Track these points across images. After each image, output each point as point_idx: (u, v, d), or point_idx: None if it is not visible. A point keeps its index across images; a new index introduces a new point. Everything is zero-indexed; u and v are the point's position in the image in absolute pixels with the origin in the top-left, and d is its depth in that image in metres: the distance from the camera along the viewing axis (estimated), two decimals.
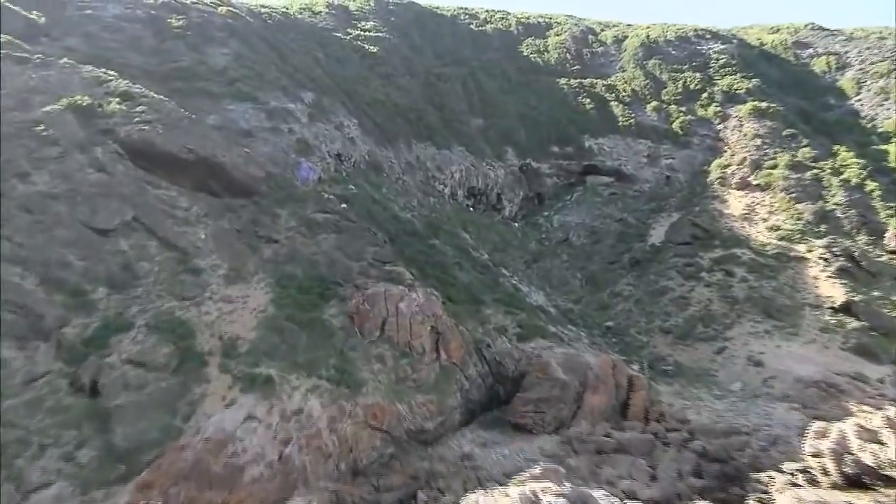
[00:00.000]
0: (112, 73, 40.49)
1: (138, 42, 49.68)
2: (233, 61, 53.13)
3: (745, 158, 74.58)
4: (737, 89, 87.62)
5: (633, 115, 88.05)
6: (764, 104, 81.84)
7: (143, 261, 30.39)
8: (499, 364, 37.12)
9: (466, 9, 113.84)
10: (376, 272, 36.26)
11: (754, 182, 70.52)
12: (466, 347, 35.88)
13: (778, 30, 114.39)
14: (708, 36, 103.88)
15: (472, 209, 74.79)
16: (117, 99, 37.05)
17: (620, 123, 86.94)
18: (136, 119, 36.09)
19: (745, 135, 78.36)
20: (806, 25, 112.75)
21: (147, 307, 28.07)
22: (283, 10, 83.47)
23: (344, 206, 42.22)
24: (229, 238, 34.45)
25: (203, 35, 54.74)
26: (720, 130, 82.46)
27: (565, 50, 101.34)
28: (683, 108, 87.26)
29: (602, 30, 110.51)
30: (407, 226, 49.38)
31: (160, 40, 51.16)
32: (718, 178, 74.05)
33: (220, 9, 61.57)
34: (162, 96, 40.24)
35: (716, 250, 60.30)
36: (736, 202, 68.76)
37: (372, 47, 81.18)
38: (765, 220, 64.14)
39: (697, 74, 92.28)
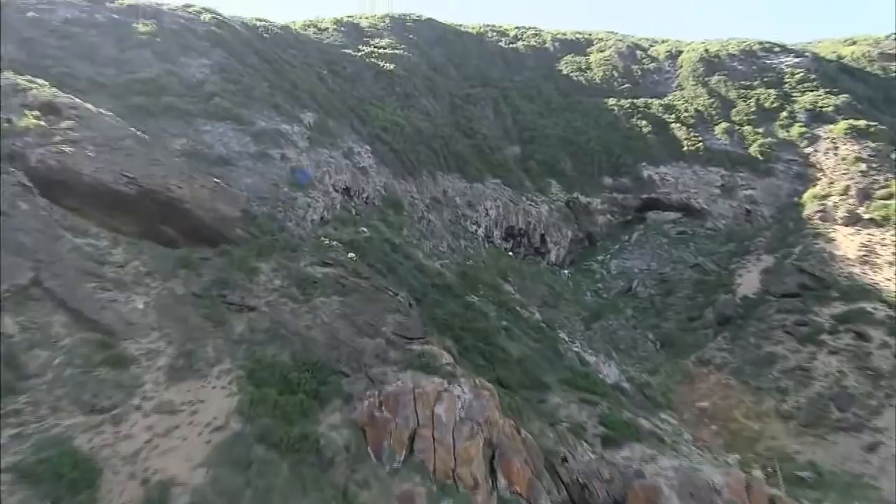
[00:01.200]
0: (39, 81, 31.63)
1: (92, 50, 41.27)
2: (213, 74, 44.48)
3: (848, 187, 63.96)
4: (823, 107, 77.55)
5: (699, 138, 78.26)
6: (862, 122, 71.55)
7: (40, 348, 20.65)
8: (583, 489, 26.34)
9: (493, 26, 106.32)
10: (399, 354, 26.06)
11: (866, 216, 59.69)
12: (534, 466, 25.28)
13: (854, 42, 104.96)
14: (777, 49, 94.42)
15: (511, 253, 64.82)
16: (35, 112, 27.99)
17: (686, 148, 77.12)
18: (58, 138, 26.92)
19: (843, 159, 67.89)
20: (887, 36, 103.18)
21: (28, 429, 18.15)
22: (284, 26, 75.85)
23: (352, 255, 32.42)
24: (182, 308, 24.66)
25: (178, 43, 46.37)
26: (809, 154, 72.08)
27: (612, 67, 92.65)
28: (760, 130, 77.26)
29: (650, 45, 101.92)
30: (436, 279, 39.43)
31: (121, 49, 42.71)
32: (817, 211, 63.33)
33: (203, 16, 53.51)
34: (104, 110, 31.19)
35: (835, 304, 49.23)
36: (847, 241, 57.83)
37: (388, 64, 72.85)
38: (892, 263, 53.10)
39: (772, 91, 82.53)
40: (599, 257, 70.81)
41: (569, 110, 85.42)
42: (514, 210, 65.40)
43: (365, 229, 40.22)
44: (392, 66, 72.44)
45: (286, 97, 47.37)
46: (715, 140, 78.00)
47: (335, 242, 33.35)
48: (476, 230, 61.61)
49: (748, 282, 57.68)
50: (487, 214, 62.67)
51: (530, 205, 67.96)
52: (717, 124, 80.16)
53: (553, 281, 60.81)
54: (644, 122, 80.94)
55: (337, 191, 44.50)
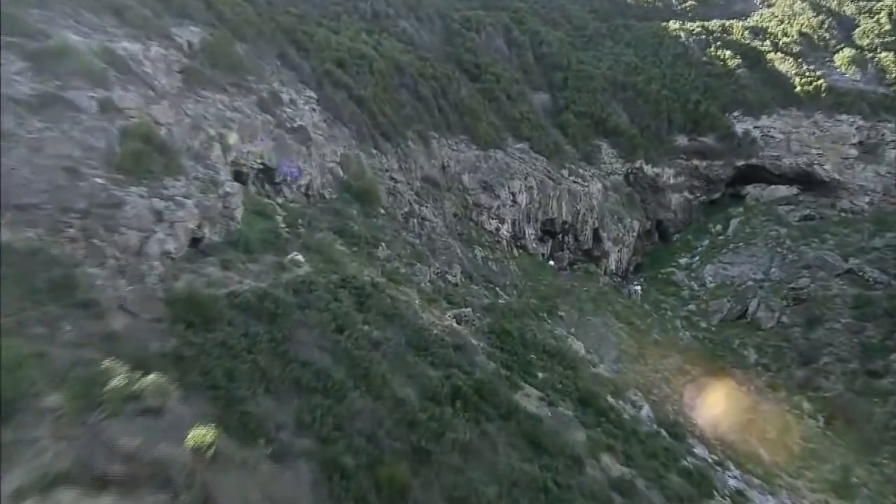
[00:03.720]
0: None
1: None
2: None
3: None
4: None
5: (814, 73, 59.15)
6: None
7: None
8: None
9: None
10: None
11: None
12: None
13: None
14: None
15: (552, 263, 45.89)
16: None
17: (799, 88, 57.96)
18: None
19: None
20: None
21: None
22: None
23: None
24: None
25: None
26: None
27: None
28: None
29: None
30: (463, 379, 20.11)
31: None
32: None
33: None
34: None
35: None
36: None
37: None
38: None
39: None
40: (682, 259, 51.92)
41: (613, 39, 66.04)
42: (552, 192, 46.09)
43: (299, 257, 20.60)
44: None
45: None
46: (838, 75, 58.90)
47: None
48: (498, 228, 42.34)
49: None
50: (514, 202, 43.33)
51: (575, 181, 48.67)
52: (836, 52, 61.11)
53: (628, 311, 41.76)
54: (728, 53, 61.65)
55: (245, 174, 25.16)
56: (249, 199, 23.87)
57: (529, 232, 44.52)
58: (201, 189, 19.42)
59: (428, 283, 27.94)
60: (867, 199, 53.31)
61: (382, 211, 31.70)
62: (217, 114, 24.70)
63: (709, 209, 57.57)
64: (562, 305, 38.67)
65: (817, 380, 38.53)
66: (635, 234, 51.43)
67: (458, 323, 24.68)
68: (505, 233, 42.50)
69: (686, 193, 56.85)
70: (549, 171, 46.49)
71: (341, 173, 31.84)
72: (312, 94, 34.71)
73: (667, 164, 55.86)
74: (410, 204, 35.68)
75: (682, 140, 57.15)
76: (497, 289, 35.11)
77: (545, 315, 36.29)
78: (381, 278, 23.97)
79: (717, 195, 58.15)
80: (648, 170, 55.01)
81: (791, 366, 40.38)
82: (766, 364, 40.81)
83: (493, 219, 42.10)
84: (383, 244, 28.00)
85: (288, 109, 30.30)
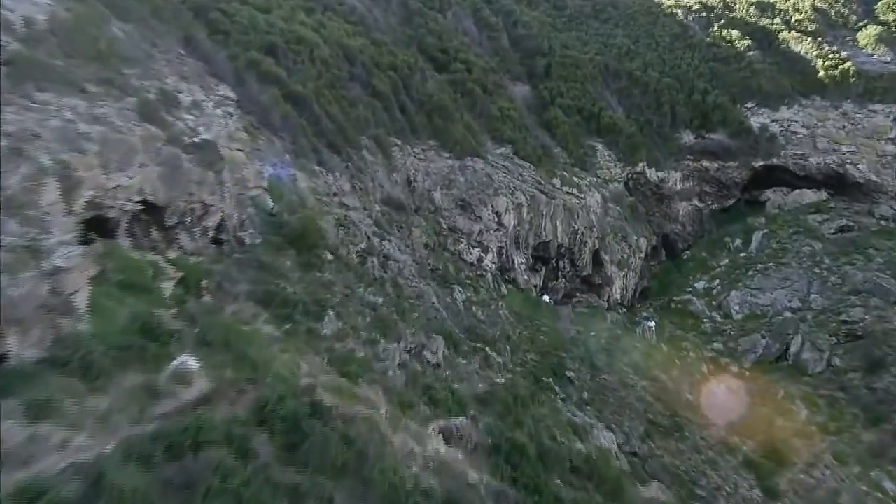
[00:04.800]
0: None
1: None
2: None
3: None
4: None
5: (837, 54, 52.76)
6: None
7: None
8: None
9: None
10: None
11: None
12: None
13: None
14: None
15: (547, 298, 38.48)
16: None
17: (822, 74, 51.46)
18: None
19: None
20: None
21: None
22: None
23: None
24: None
25: None
26: None
27: None
28: None
29: None
30: None
31: None
32: None
33: None
34: None
35: None
36: None
37: None
38: None
39: None
40: (699, 284, 44.84)
41: (598, 19, 58.99)
42: (545, 209, 38.51)
43: (191, 364, 12.69)
44: None
45: None
46: (864, 57, 52.60)
47: None
48: (481, 259, 34.61)
49: None
50: (500, 224, 35.66)
51: (569, 193, 41.20)
52: (858, 29, 54.89)
53: (648, 359, 34.42)
54: (735, 34, 55.00)
55: (112, 221, 17.17)
56: (117, 263, 15.93)
57: (519, 261, 36.93)
58: (8, 268, 11.43)
59: (398, 370, 20.06)
60: None
61: (329, 256, 23.62)
62: (61, 129, 16.37)
63: (722, 219, 50.70)
64: (569, 362, 31.16)
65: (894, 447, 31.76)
66: (643, 254, 44.23)
67: (447, 442, 16.86)
68: (489, 264, 34.80)
69: (695, 201, 49.93)
70: (540, 183, 38.93)
71: (269, 204, 23.68)
72: (229, 94, 26.45)
73: (672, 167, 48.87)
74: (368, 238, 27.70)
75: (688, 137, 50.24)
76: (488, 350, 27.40)
77: (552, 382, 28.78)
78: (329, 378, 16.18)
79: (730, 202, 51.34)
80: (651, 174, 47.90)
81: (855, 426, 33.59)
82: (822, 423, 33.94)
83: (473, 247, 34.42)
84: (331, 312, 20.01)
85: (188, 116, 22.04)
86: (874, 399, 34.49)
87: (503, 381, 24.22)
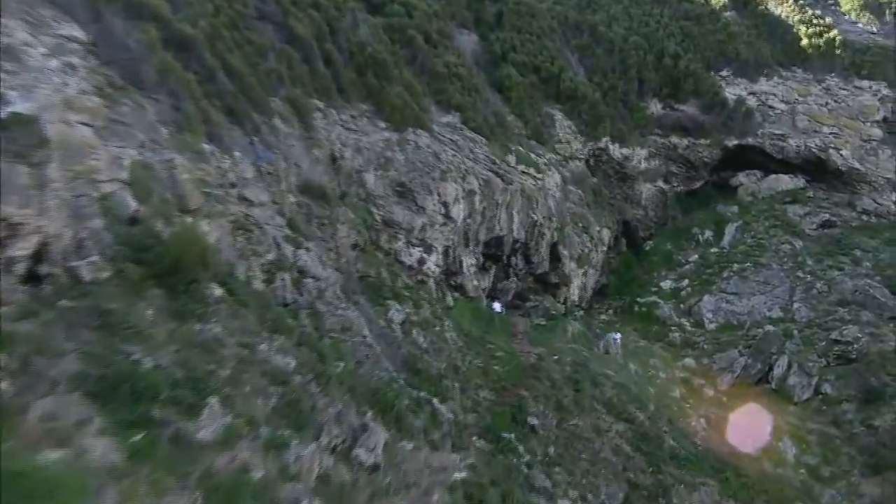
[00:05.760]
0: None
1: None
2: None
3: None
4: None
5: (821, 20, 47.61)
6: None
7: None
8: None
9: None
10: None
11: None
12: None
13: None
14: None
15: (497, 305, 32.15)
16: None
17: (805, 42, 46.21)
18: None
19: None
20: None
21: None
22: None
23: None
24: None
25: None
26: None
27: None
28: None
29: None
30: None
31: None
32: None
33: None
34: None
35: None
36: None
37: None
38: None
39: None
40: (665, 283, 39.52)
41: None
42: (501, 196, 31.73)
43: None
44: None
45: None
46: (848, 25, 47.68)
47: None
48: (423, 261, 27.70)
49: None
50: (447, 216, 28.70)
51: (525, 173, 34.59)
52: None
53: (623, 394, 28.57)
54: None
55: None
56: None
57: (468, 262, 30.26)
58: None
59: (315, 493, 13.18)
60: (895, 196, 42.64)
61: (218, 291, 16.06)
62: None
63: (688, 204, 45.38)
64: (531, 403, 24.96)
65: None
66: (605, 247, 38.33)
67: None
68: (433, 267, 28.02)
69: (660, 183, 44.33)
70: (495, 163, 32.12)
71: (132, 206, 15.89)
72: (76, 33, 18.21)
73: (638, 143, 42.86)
74: (278, 246, 20.29)
75: (655, 108, 44.41)
76: (435, 403, 20.78)
77: (513, 438, 22.57)
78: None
79: (697, 184, 45.98)
80: (615, 151, 41.85)
81: (851, 472, 29.06)
82: (814, 467, 29.26)
83: (414, 246, 27.51)
84: (213, 401, 12.65)
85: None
86: (873, 440, 29.97)
87: (464, 472, 17.66)
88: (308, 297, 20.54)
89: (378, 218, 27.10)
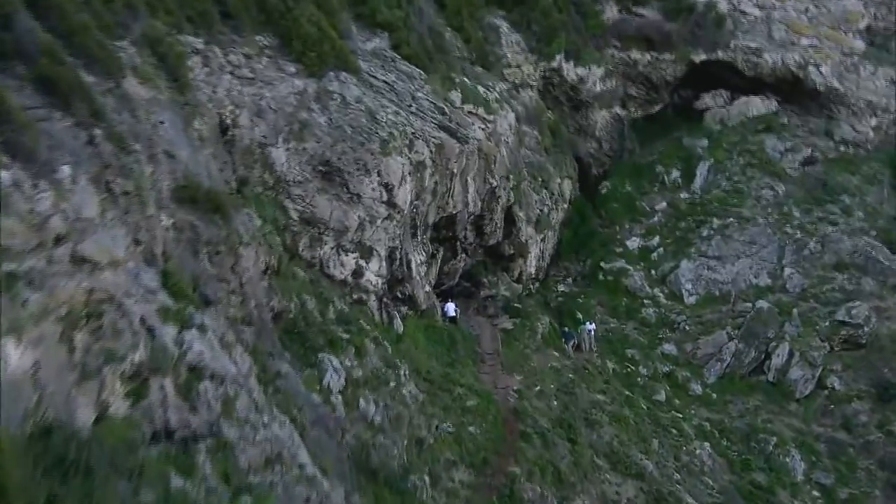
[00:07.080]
0: None
1: None
2: None
3: None
4: None
5: None
6: None
7: None
8: None
9: None
10: None
11: None
12: None
13: None
14: None
15: (450, 307, 24.83)
16: None
17: None
18: None
19: None
20: None
21: None
22: None
23: None
24: None
25: None
26: None
27: None
28: None
29: None
30: None
31: None
32: None
33: None
34: None
35: None
36: None
37: None
38: None
39: None
40: (630, 241, 33.37)
41: None
42: (455, 163, 23.51)
43: None
44: None
45: None
46: None
47: None
48: (360, 272, 19.65)
49: None
50: (390, 203, 20.42)
51: (472, 113, 26.56)
52: None
53: (622, 430, 22.48)
54: None
55: None
56: None
57: (417, 261, 22.49)
58: None
59: None
60: (874, 121, 37.62)
61: None
62: None
63: (645, 133, 38.69)
64: (523, 483, 18.39)
65: None
66: (567, 203, 31.36)
67: None
68: (373, 279, 20.10)
69: (617, 108, 37.14)
70: (445, 112, 23.76)
71: None
72: None
73: (594, 61, 35.18)
74: (149, 330, 11.79)
75: (611, 12, 36.65)
76: None
77: None
78: None
79: (656, 108, 39.19)
80: (569, 71, 34.11)
81: (873, 494, 24.77)
82: (829, 488, 24.79)
83: (347, 252, 19.39)
84: None
85: None
86: (895, 450, 25.70)
87: None
88: (207, 414, 12.41)
89: (294, 215, 18.77)
